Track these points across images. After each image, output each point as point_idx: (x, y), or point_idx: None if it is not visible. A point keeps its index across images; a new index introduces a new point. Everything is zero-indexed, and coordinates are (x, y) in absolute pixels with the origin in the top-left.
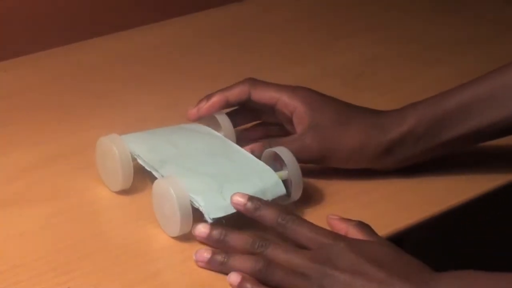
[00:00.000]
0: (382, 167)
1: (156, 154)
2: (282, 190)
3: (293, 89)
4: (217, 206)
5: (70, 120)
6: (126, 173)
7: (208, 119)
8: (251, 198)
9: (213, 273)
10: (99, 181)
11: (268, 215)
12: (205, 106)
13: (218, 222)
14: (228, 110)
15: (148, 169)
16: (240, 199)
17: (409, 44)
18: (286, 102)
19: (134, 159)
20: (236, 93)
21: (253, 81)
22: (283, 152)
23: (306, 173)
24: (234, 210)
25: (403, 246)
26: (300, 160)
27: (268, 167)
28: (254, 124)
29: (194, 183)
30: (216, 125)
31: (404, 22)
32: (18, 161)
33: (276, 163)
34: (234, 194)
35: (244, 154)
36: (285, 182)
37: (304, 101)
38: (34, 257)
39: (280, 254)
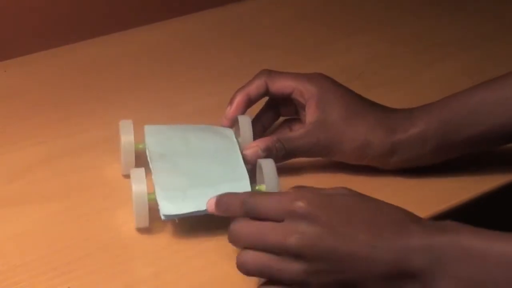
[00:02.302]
0: (385, 166)
1: (162, 147)
2: None
3: (309, 78)
4: (172, 205)
5: (70, 120)
6: (127, 159)
7: (235, 121)
8: (218, 202)
9: (212, 273)
10: (99, 181)
11: (232, 207)
12: (230, 111)
13: (171, 219)
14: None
15: (148, 159)
16: (211, 203)
17: (409, 44)
18: (301, 90)
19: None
20: (255, 88)
21: (269, 72)
22: (267, 166)
23: (307, 171)
24: (188, 211)
25: None
26: (307, 154)
27: (245, 178)
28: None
29: (168, 180)
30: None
31: (405, 22)
32: (18, 161)
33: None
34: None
35: (236, 161)
36: None
37: (318, 90)
38: (34, 257)
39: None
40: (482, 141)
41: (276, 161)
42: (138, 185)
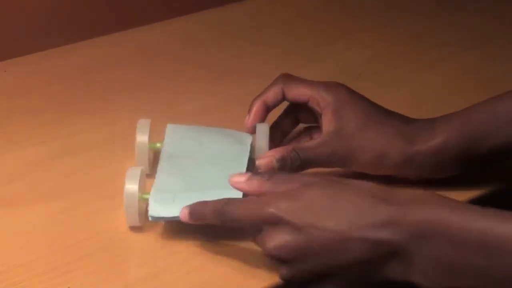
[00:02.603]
0: (404, 176)
1: (175, 148)
2: None
3: (325, 86)
4: (161, 207)
5: (70, 120)
6: (140, 159)
7: (254, 128)
8: (191, 211)
9: (212, 273)
10: (99, 181)
11: (206, 216)
12: (249, 120)
13: (159, 221)
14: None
15: (160, 158)
16: (184, 212)
17: (409, 44)
18: (317, 99)
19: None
20: (271, 95)
21: (286, 79)
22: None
23: None
24: (174, 215)
25: None
26: (324, 164)
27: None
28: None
29: (165, 181)
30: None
31: (405, 22)
32: (18, 161)
33: None
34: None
35: (239, 169)
36: None
37: (334, 100)
38: (34, 257)
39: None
40: (505, 152)
41: (291, 171)
42: (130, 183)
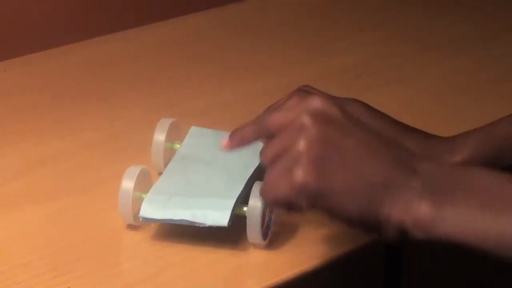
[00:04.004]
0: None
1: (190, 150)
2: (223, 221)
3: (343, 102)
4: (152, 209)
5: (70, 120)
6: (156, 158)
7: None
8: (230, 137)
9: (212, 273)
10: (99, 181)
11: (248, 133)
12: None
13: (149, 222)
14: None
15: (172, 158)
16: (224, 141)
17: (409, 44)
18: None
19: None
20: None
21: (303, 92)
22: (255, 189)
23: None
24: (163, 218)
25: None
26: None
27: (232, 198)
28: None
29: (165, 183)
30: None
31: (404, 22)
32: (18, 161)
33: None
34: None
35: (241, 179)
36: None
37: None
38: (34, 257)
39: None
40: None
41: None
42: (126, 182)
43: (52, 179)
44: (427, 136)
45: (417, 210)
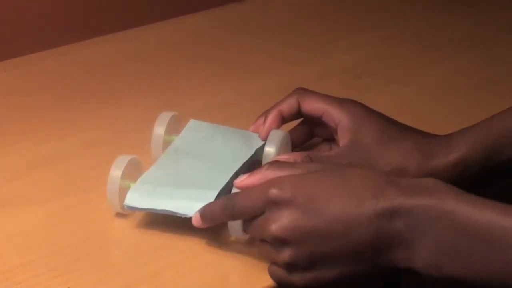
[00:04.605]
0: None
1: (185, 142)
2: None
3: (341, 102)
4: (137, 197)
5: (70, 120)
6: (153, 145)
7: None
8: (202, 214)
9: (212, 273)
10: (99, 181)
11: (216, 215)
12: (264, 129)
13: (133, 210)
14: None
15: (166, 150)
16: (196, 218)
17: (409, 44)
18: (332, 114)
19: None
20: (286, 106)
21: (302, 92)
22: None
23: None
24: (147, 207)
25: None
26: None
27: (215, 188)
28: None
29: (154, 173)
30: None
31: (404, 22)
32: (18, 161)
33: None
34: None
35: (228, 171)
36: None
37: (349, 115)
38: (34, 257)
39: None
40: None
41: None
42: (114, 170)
43: (52, 179)
44: (424, 135)
45: (417, 263)
